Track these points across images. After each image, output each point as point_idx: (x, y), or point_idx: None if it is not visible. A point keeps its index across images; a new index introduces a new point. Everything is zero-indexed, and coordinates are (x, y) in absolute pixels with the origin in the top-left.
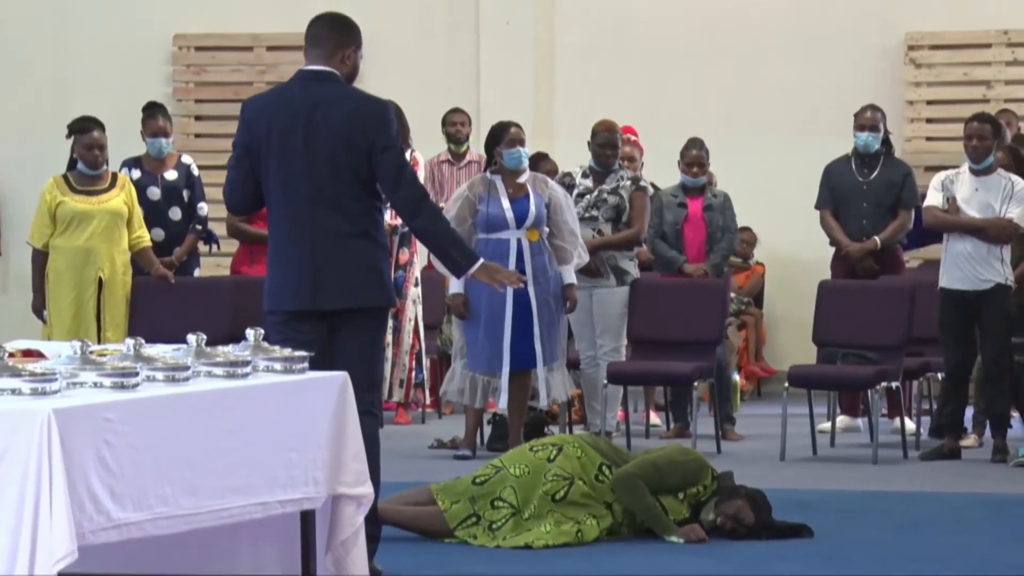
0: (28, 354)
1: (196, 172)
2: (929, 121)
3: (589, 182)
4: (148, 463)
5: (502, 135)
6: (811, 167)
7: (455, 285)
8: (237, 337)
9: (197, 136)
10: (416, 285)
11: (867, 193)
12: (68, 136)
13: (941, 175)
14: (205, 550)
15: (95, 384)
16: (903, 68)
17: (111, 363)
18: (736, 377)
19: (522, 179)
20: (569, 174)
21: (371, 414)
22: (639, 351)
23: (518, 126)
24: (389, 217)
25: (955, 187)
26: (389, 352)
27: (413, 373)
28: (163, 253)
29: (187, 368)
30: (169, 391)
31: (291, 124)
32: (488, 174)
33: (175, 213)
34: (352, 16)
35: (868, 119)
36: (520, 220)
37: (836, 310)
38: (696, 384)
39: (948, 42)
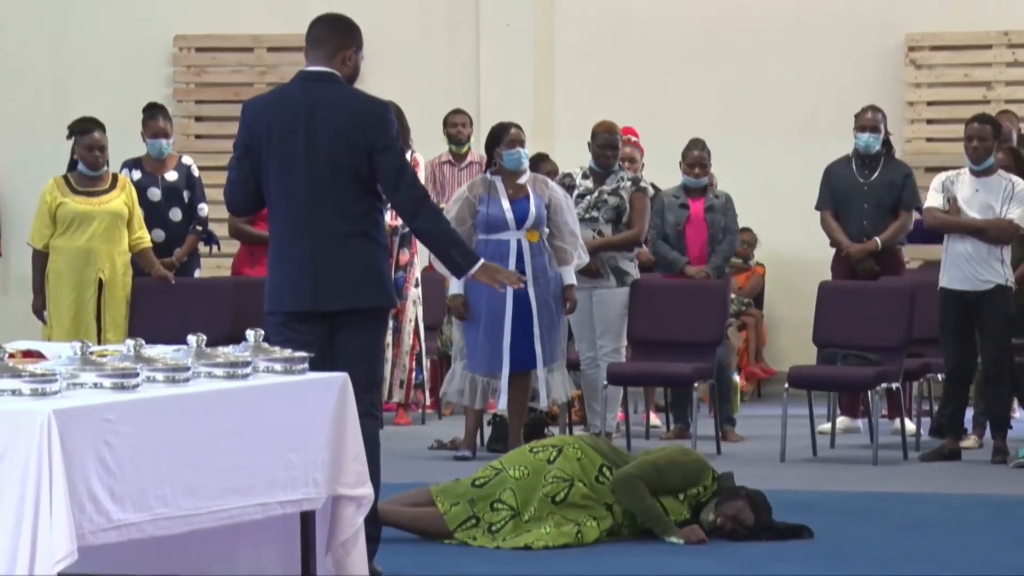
0: (28, 355)
1: (196, 173)
2: (929, 122)
3: (589, 183)
4: (148, 464)
5: (502, 136)
6: (811, 168)
7: (455, 286)
8: (237, 338)
9: (197, 137)
10: (416, 286)
11: (867, 194)
12: (69, 137)
13: (941, 176)
14: (205, 551)
15: (95, 385)
16: (903, 69)
17: (111, 364)
18: (736, 378)
19: (522, 180)
20: (569, 175)
21: (371, 415)
22: (639, 352)
23: (518, 127)
24: (389, 218)
25: (955, 188)
26: (389, 353)
27: (413, 374)
28: (163, 254)
29: (187, 369)
30: (169, 392)
31: (292, 125)
32: (488, 175)
33: (175, 214)
34: (352, 17)
35: (869, 120)
36: (520, 221)
37: (836, 311)
38: (696, 385)
39: (948, 43)
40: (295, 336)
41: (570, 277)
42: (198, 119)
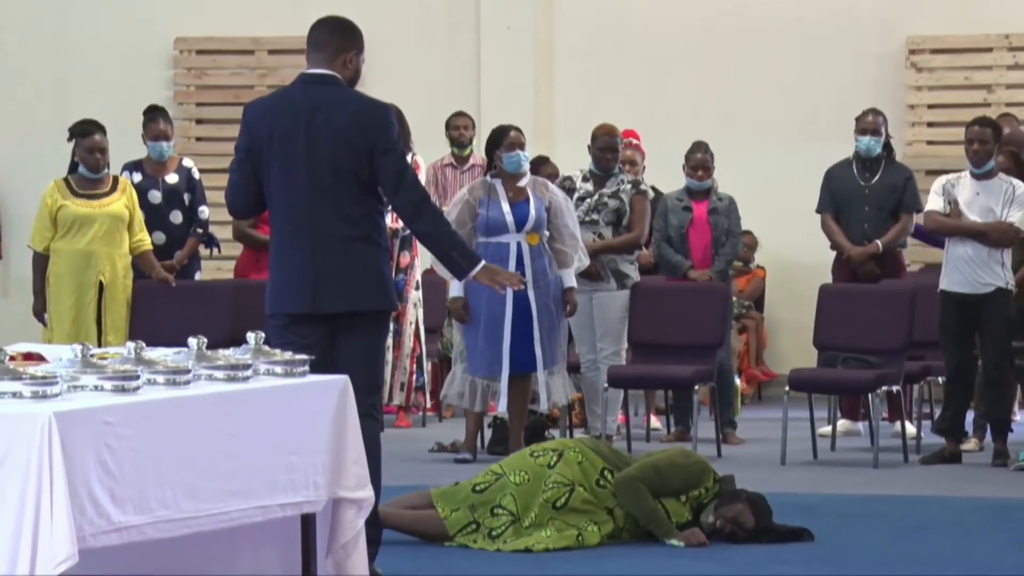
0: (29, 357)
1: (197, 175)
2: (930, 125)
3: (589, 186)
4: (149, 466)
5: (502, 139)
6: (811, 170)
7: (455, 288)
8: (238, 340)
9: (198, 139)
10: (417, 288)
11: (868, 197)
12: (69, 139)
13: (942, 179)
14: (206, 553)
15: (96, 387)
16: (904, 72)
17: (112, 366)
18: (737, 381)
19: (522, 183)
20: (569, 178)
21: (372, 417)
22: (639, 355)
23: (518, 130)
24: (390, 220)
25: (956, 191)
26: (390, 355)
27: (414, 377)
28: (164, 256)
29: (188, 371)
30: (170, 394)
31: (292, 127)
32: (488, 178)
33: (176, 216)
34: (353, 19)
35: (869, 123)
36: (520, 224)
37: (837, 314)
38: (696, 388)
39: (949, 46)
40: (296, 339)
41: (570, 280)
42: (199, 121)
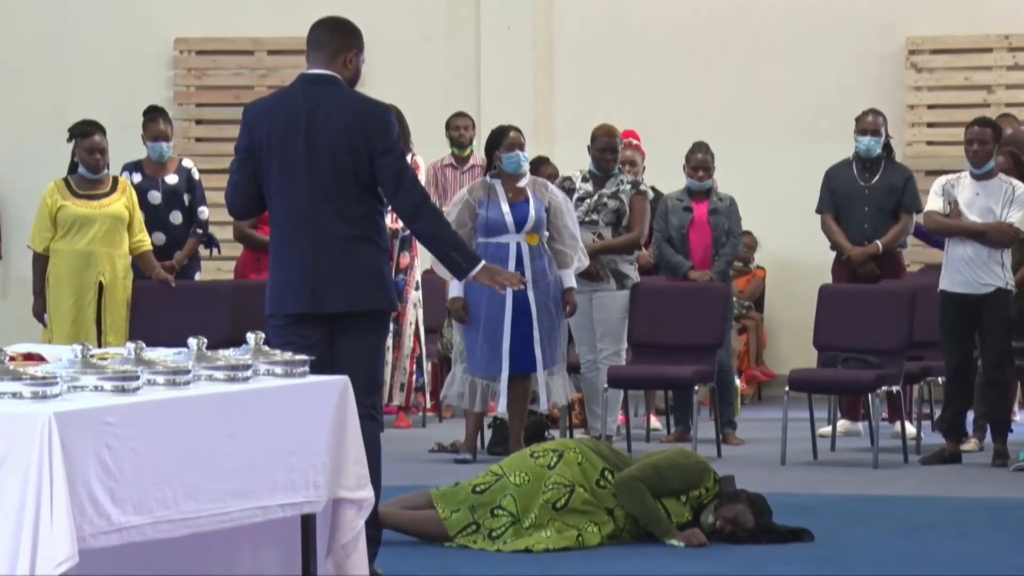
0: (29, 358)
1: (197, 176)
2: (930, 125)
3: (589, 186)
4: (149, 467)
5: (501, 139)
6: (811, 171)
7: (455, 289)
8: (238, 341)
9: (198, 140)
10: (417, 289)
11: (868, 197)
12: (69, 140)
13: (942, 179)
14: (206, 553)
15: (96, 388)
16: (904, 72)
17: (112, 367)
18: (736, 381)
19: (522, 183)
20: (569, 178)
21: (372, 418)
22: (639, 355)
23: (517, 130)
24: (390, 221)
25: (956, 191)
26: (390, 356)
27: (414, 377)
28: (164, 257)
29: (188, 372)
30: (170, 395)
31: (292, 128)
32: (488, 178)
33: (176, 217)
34: (353, 19)
35: (870, 123)
36: (520, 224)
37: (837, 314)
38: (696, 388)
39: (949, 46)
40: (296, 339)
41: (570, 280)
42: (198, 122)
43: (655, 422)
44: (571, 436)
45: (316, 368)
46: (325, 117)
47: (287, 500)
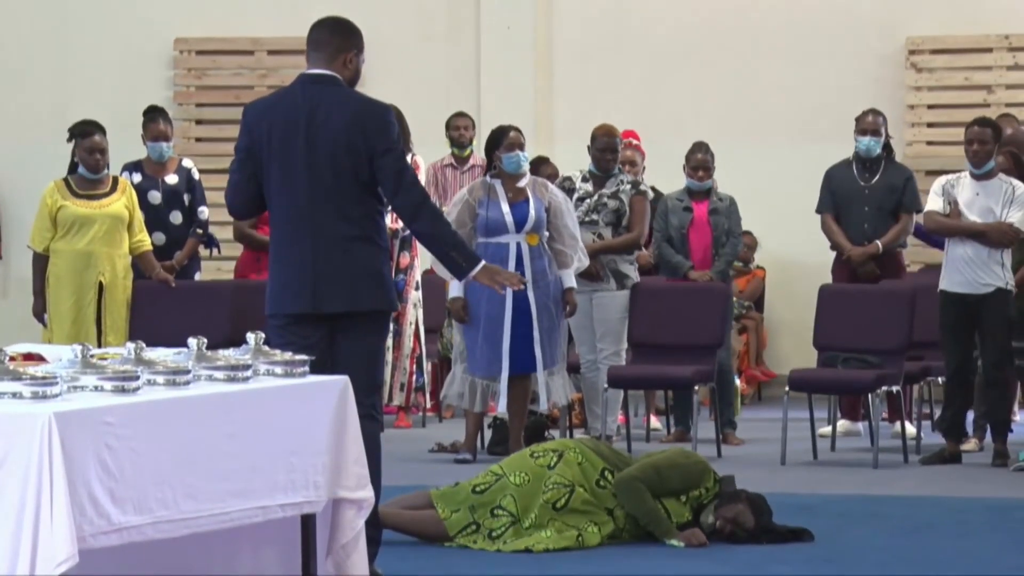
0: (29, 358)
1: (197, 176)
2: (930, 125)
3: (589, 186)
4: (149, 467)
5: (501, 139)
6: (811, 171)
7: (455, 289)
8: (238, 341)
9: (198, 140)
10: (417, 289)
11: (868, 197)
12: (69, 140)
13: (942, 180)
14: (206, 553)
15: (96, 388)
16: (904, 72)
17: (112, 367)
18: (736, 381)
19: (522, 183)
20: (569, 178)
21: (372, 418)
22: (639, 355)
23: (517, 130)
24: (390, 221)
25: (956, 191)
26: (390, 356)
27: (414, 377)
28: (164, 257)
29: (188, 372)
30: (170, 395)
31: (292, 127)
32: (488, 178)
33: (176, 217)
34: (352, 19)
35: (870, 123)
36: (520, 224)
37: (837, 314)
38: (696, 388)
39: (949, 46)
40: (296, 339)
41: (570, 280)
42: (198, 122)
43: (655, 422)
44: (571, 436)
45: (316, 368)
46: (325, 117)
47: (287, 500)
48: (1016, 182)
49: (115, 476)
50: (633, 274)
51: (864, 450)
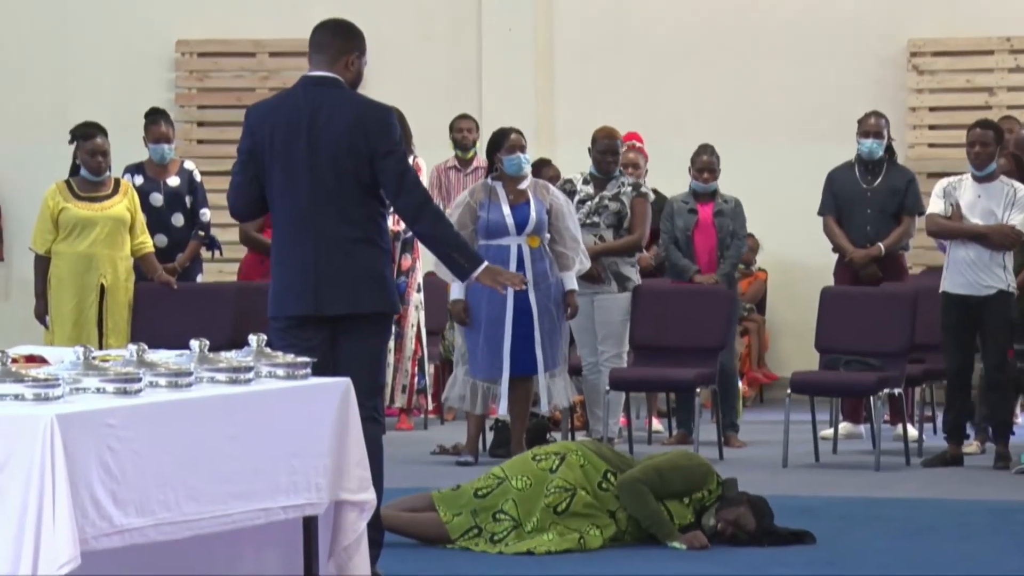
0: (31, 360)
1: (199, 178)
2: (932, 128)
3: (590, 188)
4: (151, 468)
5: (502, 141)
6: (813, 173)
7: (456, 291)
8: (240, 343)
9: (200, 142)
10: (419, 291)
11: (870, 199)
12: (71, 142)
13: (943, 182)
14: (207, 555)
15: (98, 390)
16: (906, 74)
17: (114, 369)
18: (738, 383)
19: (523, 185)
20: (570, 180)
21: (374, 420)
22: (641, 357)
23: (519, 132)
24: (392, 223)
25: (958, 194)
26: (391, 358)
27: (415, 379)
28: (166, 259)
29: (190, 374)
30: (172, 397)
31: (294, 129)
32: (489, 180)
33: (178, 219)
34: (354, 21)
35: (872, 125)
36: (521, 226)
37: (839, 316)
38: (698, 390)
39: (951, 49)
40: (298, 341)
41: (571, 282)
42: (200, 124)
43: (657, 424)
44: (573, 438)
45: (318, 370)
46: (327, 119)
47: (289, 502)
48: (1018, 184)
49: (117, 478)
50: (634, 276)
51: (866, 452)
